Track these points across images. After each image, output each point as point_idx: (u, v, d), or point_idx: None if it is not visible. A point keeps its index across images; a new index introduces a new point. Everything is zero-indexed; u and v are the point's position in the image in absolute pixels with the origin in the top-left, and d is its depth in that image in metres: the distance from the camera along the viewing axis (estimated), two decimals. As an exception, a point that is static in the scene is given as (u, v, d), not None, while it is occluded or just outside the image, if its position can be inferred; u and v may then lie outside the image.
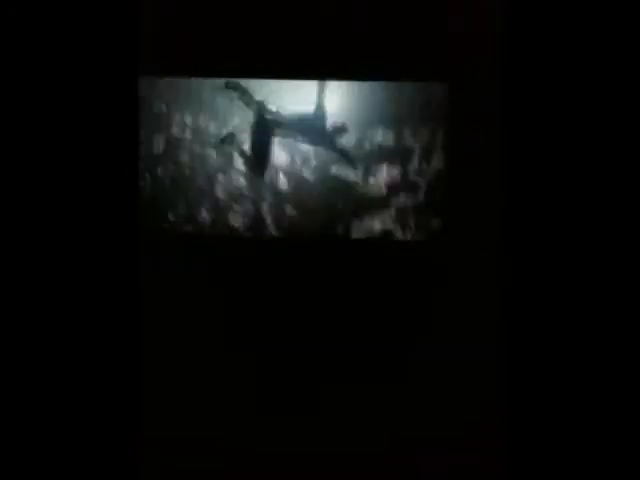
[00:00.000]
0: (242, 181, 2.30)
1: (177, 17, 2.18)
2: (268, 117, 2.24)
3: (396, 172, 2.24)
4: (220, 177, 2.31)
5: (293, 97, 2.23)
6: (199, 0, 2.19)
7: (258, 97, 2.24)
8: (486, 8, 2.04)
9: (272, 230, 2.30)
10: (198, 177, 2.31)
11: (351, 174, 2.23)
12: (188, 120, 2.29)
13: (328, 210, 2.26)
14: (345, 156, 2.22)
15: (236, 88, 2.20)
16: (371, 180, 2.24)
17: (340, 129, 2.21)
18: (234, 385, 2.22)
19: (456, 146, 2.22)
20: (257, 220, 2.30)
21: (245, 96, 2.22)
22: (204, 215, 2.32)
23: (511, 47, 1.62)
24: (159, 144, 2.28)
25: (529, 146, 1.59)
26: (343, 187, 2.23)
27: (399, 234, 2.25)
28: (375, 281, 2.26)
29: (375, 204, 2.24)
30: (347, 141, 2.23)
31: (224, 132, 2.27)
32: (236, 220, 2.31)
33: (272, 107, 2.24)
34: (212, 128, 2.29)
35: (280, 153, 2.28)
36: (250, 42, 2.19)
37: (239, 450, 2.15)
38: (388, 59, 2.19)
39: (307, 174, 2.28)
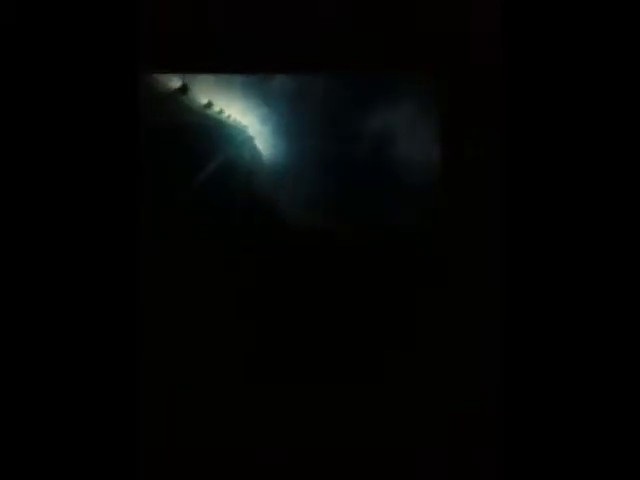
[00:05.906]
0: (242, 179, 2.31)
1: (178, 13, 2.18)
2: None
3: (395, 169, 2.25)
4: (220, 176, 2.31)
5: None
6: None
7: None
8: (486, 8, 2.05)
9: (266, 225, 2.30)
10: (198, 175, 2.31)
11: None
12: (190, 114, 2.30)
13: (323, 204, 2.27)
14: None
15: None
16: (370, 175, 2.25)
17: None
18: (234, 384, 2.22)
19: (455, 145, 2.22)
20: (254, 218, 2.30)
21: None
22: (204, 212, 2.33)
23: (511, 47, 1.62)
24: (159, 140, 2.29)
25: (529, 145, 1.59)
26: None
27: (397, 232, 2.25)
28: (374, 280, 2.26)
29: (373, 200, 2.25)
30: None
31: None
32: (235, 217, 2.32)
33: None
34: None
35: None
36: (249, 38, 2.19)
37: (239, 450, 2.15)
38: (388, 59, 2.19)
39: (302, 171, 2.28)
